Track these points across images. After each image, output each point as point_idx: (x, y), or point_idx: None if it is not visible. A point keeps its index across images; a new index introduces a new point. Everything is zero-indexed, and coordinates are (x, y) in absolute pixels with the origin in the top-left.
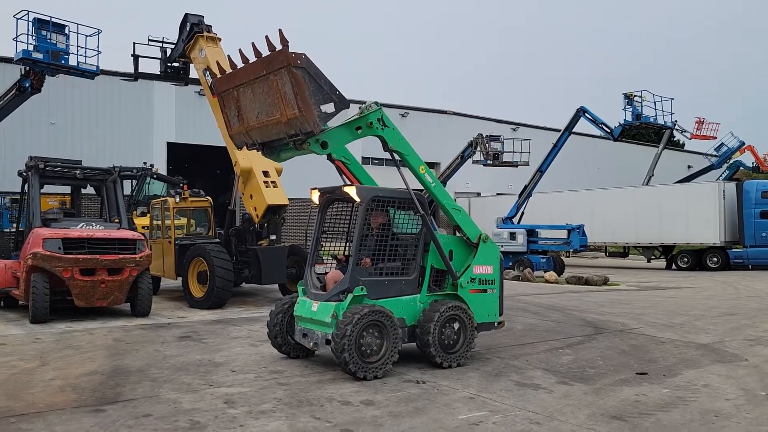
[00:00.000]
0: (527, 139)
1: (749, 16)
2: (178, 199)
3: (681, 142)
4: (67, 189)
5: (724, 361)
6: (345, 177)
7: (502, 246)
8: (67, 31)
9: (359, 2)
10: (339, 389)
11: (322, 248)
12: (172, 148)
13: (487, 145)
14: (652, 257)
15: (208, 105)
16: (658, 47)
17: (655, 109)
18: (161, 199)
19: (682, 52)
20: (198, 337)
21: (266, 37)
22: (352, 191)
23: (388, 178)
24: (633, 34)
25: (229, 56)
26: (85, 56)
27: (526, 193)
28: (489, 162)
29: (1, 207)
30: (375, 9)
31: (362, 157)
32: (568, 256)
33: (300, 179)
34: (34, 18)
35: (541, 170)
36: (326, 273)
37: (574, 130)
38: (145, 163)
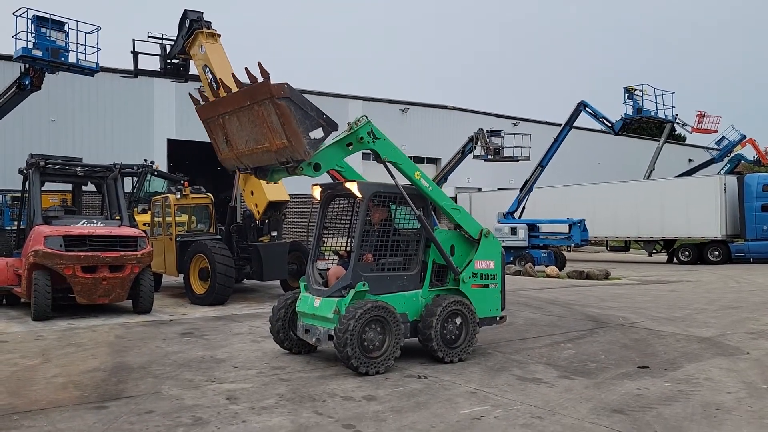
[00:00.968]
0: (528, 134)
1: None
2: (179, 196)
3: (682, 136)
4: (68, 186)
5: (725, 355)
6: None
7: (503, 241)
8: (66, 28)
9: None
10: (341, 385)
11: (324, 244)
12: (172, 144)
13: (487, 140)
14: (654, 251)
15: None
16: (658, 41)
17: (656, 103)
18: (162, 196)
19: (683, 46)
20: (200, 333)
21: (246, 68)
22: (353, 187)
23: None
24: (634, 28)
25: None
26: (85, 53)
27: (527, 188)
28: (490, 157)
29: (2, 205)
30: (375, 3)
31: (362, 153)
32: (569, 251)
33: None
34: (34, 15)
35: (542, 165)
36: (328, 269)
37: (574, 124)
38: (145, 160)
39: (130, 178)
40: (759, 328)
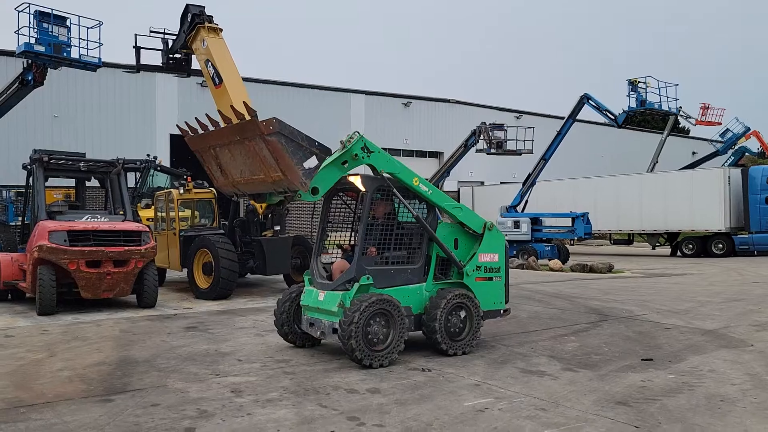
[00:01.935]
0: (531, 127)
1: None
2: (182, 191)
3: (686, 129)
4: (72, 182)
5: (729, 347)
6: None
7: (506, 235)
8: (68, 23)
9: None
10: (345, 377)
11: (328, 238)
12: (175, 140)
13: (490, 133)
14: (657, 244)
15: (211, 96)
16: (662, 32)
17: (660, 95)
18: (165, 191)
19: (687, 37)
20: (204, 327)
21: (231, 107)
22: (357, 181)
23: None
24: (637, 19)
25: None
26: (87, 48)
27: (529, 182)
28: (492, 150)
29: (7, 201)
30: None
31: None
32: (573, 244)
33: None
34: (36, 10)
35: (544, 158)
36: (332, 263)
37: (578, 117)
38: (148, 156)
39: (133, 173)
40: (763, 320)
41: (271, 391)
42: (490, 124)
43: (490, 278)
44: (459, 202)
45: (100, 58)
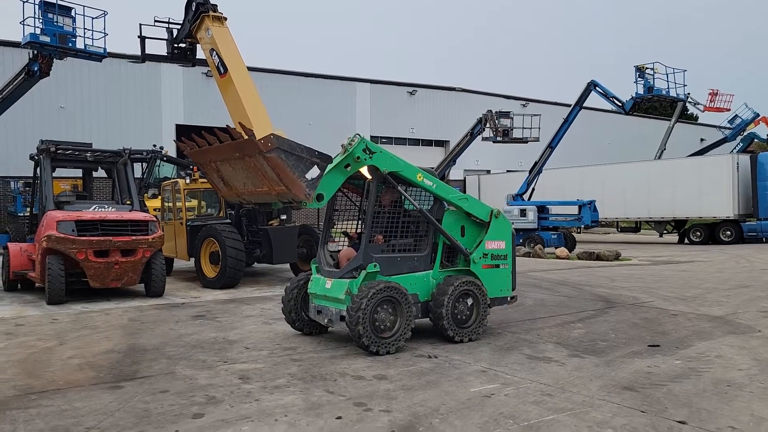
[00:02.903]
0: (537, 115)
1: None
2: (188, 181)
3: (694, 115)
4: (79, 173)
5: (737, 333)
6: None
7: (512, 223)
8: (73, 13)
9: None
10: (351, 364)
11: (334, 227)
12: (181, 130)
13: (496, 121)
14: (665, 232)
15: (216, 86)
16: (671, 18)
17: (668, 82)
18: (172, 181)
19: (696, 23)
20: (212, 316)
21: (227, 126)
22: (364, 169)
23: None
24: (646, 5)
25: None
26: (92, 39)
27: (536, 170)
28: (499, 139)
29: (15, 191)
30: None
31: (370, 136)
32: (579, 232)
33: None
34: (41, 1)
35: (551, 146)
36: (339, 251)
37: (584, 104)
38: (154, 146)
39: (140, 163)
40: None
41: (279, 378)
42: (496, 112)
43: (497, 266)
44: (465, 190)
45: (105, 48)
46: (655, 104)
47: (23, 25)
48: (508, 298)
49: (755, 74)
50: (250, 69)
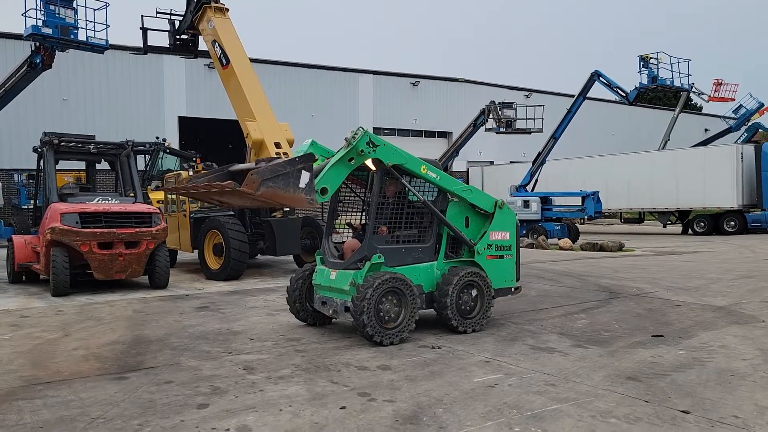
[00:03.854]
0: (540, 106)
1: None
2: (191, 173)
3: (698, 105)
4: (82, 165)
5: (740, 323)
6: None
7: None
8: (75, 5)
9: None
10: (355, 355)
11: (338, 218)
12: (183, 122)
13: (499, 112)
14: (668, 222)
15: (218, 78)
16: (675, 7)
17: (672, 71)
18: (175, 173)
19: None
20: (216, 307)
21: (208, 183)
22: (368, 161)
23: (400, 146)
24: None
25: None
26: (94, 30)
27: (539, 161)
28: (502, 130)
29: (19, 184)
30: None
31: (373, 128)
32: (583, 223)
33: None
34: None
35: (554, 137)
36: (343, 242)
37: (588, 95)
38: (157, 138)
39: (143, 155)
40: None
41: (283, 369)
42: (499, 102)
43: (501, 256)
44: (468, 182)
45: (107, 40)
46: (659, 94)
47: (25, 17)
48: (512, 289)
49: (761, 64)
50: (252, 60)
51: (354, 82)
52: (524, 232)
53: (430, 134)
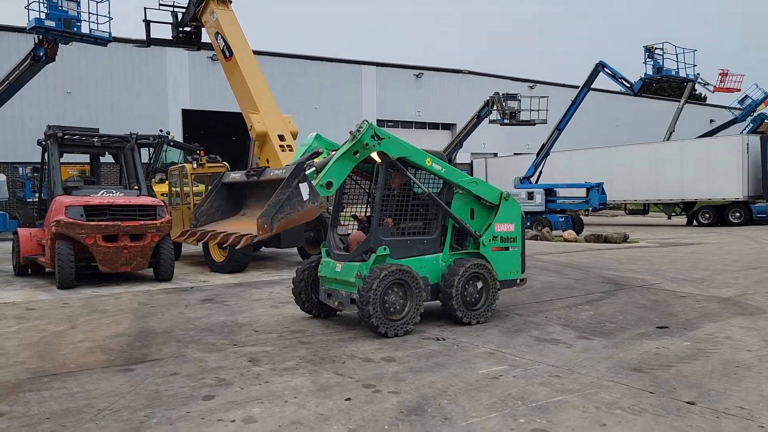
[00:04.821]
0: (545, 97)
1: None
2: (195, 166)
3: (703, 96)
4: (86, 158)
5: (746, 314)
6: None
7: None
8: None
9: None
10: (360, 347)
11: (344, 211)
12: (187, 114)
13: (503, 103)
14: (673, 214)
15: (222, 70)
16: None
17: (677, 62)
18: (179, 165)
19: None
20: (220, 299)
21: (218, 243)
22: (373, 153)
23: (404, 138)
24: None
25: None
26: (97, 23)
27: (543, 152)
28: (506, 121)
29: (23, 177)
30: None
31: (377, 120)
32: (587, 215)
33: None
34: None
35: (559, 128)
36: (348, 234)
37: (593, 86)
38: (161, 131)
39: (147, 148)
40: None
41: (288, 360)
42: (503, 94)
43: (507, 248)
44: (472, 174)
45: (110, 33)
46: (664, 85)
47: (28, 9)
48: (518, 281)
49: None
50: (255, 52)
51: (357, 73)
52: (528, 223)
53: (434, 126)
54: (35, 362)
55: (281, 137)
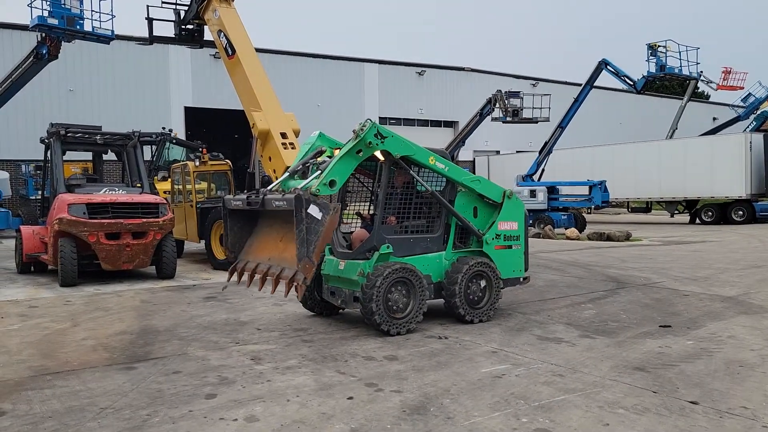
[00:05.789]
0: (547, 95)
1: None
2: (197, 163)
3: (706, 94)
4: (89, 156)
5: (749, 313)
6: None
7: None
8: None
9: None
10: (362, 345)
11: (347, 209)
12: (189, 112)
13: (506, 101)
14: (676, 212)
15: (224, 68)
16: None
17: (680, 60)
18: (181, 163)
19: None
20: (223, 297)
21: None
22: (376, 152)
23: (406, 136)
24: None
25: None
26: (100, 21)
27: (546, 150)
28: (508, 119)
29: (26, 175)
30: None
31: (379, 117)
32: (590, 213)
33: None
34: None
35: (561, 126)
36: (352, 232)
37: (595, 83)
38: (163, 128)
39: (149, 146)
40: None
41: (290, 359)
42: (505, 92)
43: (510, 246)
44: (475, 172)
45: (113, 31)
46: (666, 83)
47: (31, 7)
48: (521, 279)
49: None
50: (257, 50)
51: (360, 71)
52: (531, 222)
53: (436, 124)
54: (38, 360)
55: (284, 135)
